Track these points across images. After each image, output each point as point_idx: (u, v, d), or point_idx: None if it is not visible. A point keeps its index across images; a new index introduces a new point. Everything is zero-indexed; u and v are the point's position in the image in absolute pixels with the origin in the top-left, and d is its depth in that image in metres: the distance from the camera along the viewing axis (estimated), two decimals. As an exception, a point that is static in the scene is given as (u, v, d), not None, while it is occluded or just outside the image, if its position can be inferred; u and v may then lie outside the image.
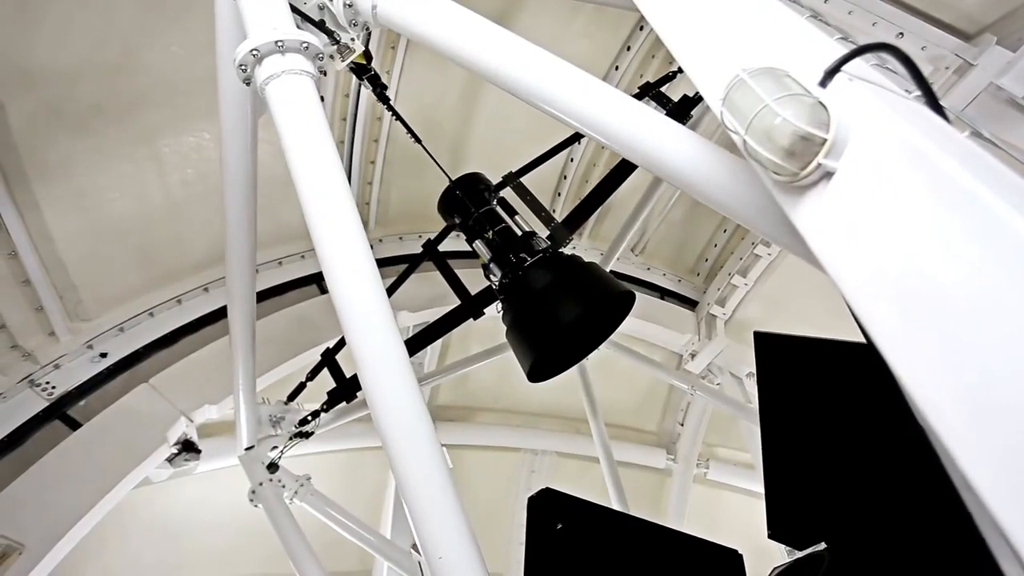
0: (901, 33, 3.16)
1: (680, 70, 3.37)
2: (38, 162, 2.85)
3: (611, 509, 3.74)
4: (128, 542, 3.80)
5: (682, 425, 5.60)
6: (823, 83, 0.88)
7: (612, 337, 2.74)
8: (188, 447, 3.37)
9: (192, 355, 3.49)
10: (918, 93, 0.92)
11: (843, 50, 0.92)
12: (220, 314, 3.64)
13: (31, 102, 2.71)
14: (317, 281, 4.14)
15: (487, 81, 1.60)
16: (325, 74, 1.72)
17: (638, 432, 5.74)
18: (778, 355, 2.06)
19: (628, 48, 4.24)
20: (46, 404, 3.07)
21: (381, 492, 4.91)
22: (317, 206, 1.48)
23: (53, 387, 3.12)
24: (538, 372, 2.42)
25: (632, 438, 5.68)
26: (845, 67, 0.88)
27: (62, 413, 3.11)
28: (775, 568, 2.03)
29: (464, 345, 4.86)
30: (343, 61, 1.88)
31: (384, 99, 2.37)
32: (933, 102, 0.88)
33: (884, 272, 0.68)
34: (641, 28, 4.16)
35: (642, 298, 5.35)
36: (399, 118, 2.60)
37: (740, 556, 2.34)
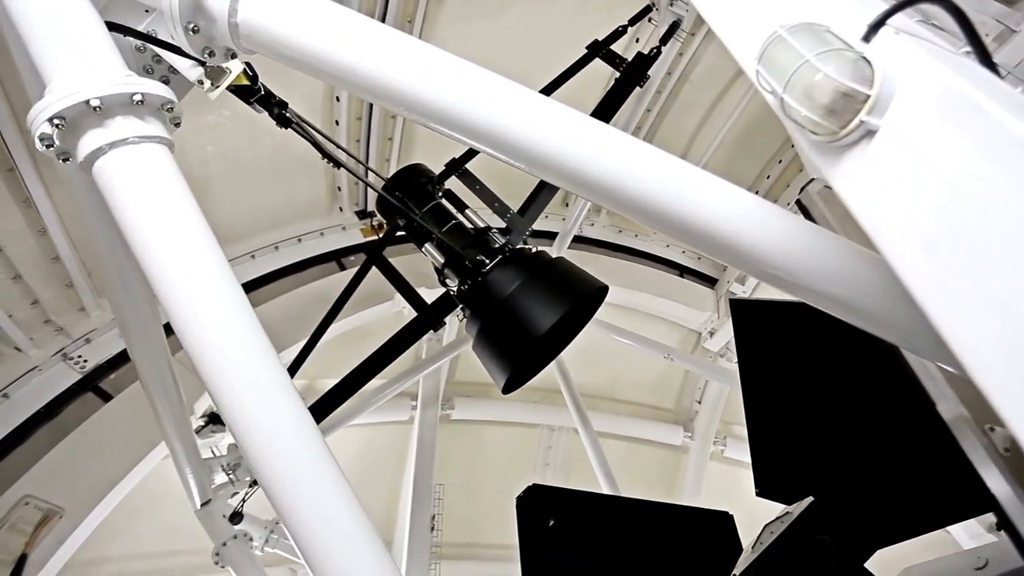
0: (939, -4, 3.02)
1: (631, 23, 3.25)
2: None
3: (600, 494, 3.81)
4: (160, 511, 3.94)
5: (700, 403, 5.60)
6: (867, 37, 0.84)
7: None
8: (214, 419, 3.45)
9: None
10: (967, 49, 0.88)
11: (885, 6, 0.87)
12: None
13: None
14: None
15: (419, 122, 1.16)
16: (179, 125, 1.21)
17: (656, 409, 5.75)
18: (753, 320, 2.06)
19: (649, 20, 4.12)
20: (79, 376, 3.18)
21: (398, 477, 5.01)
22: (192, 338, 1.06)
23: (85, 360, 3.23)
24: (513, 385, 2.30)
25: (649, 415, 5.69)
26: (890, 21, 0.84)
27: (94, 385, 3.22)
28: (767, 525, 2.06)
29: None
30: (217, 87, 1.31)
31: (285, 121, 1.99)
32: (985, 57, 0.84)
33: (929, 228, 0.66)
34: None
35: (660, 276, 5.30)
36: (307, 136, 2.23)
37: (731, 517, 2.38)
